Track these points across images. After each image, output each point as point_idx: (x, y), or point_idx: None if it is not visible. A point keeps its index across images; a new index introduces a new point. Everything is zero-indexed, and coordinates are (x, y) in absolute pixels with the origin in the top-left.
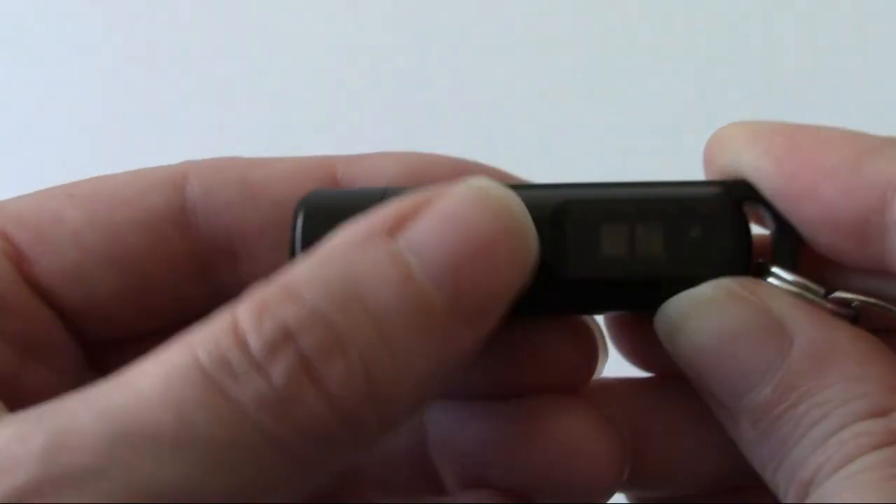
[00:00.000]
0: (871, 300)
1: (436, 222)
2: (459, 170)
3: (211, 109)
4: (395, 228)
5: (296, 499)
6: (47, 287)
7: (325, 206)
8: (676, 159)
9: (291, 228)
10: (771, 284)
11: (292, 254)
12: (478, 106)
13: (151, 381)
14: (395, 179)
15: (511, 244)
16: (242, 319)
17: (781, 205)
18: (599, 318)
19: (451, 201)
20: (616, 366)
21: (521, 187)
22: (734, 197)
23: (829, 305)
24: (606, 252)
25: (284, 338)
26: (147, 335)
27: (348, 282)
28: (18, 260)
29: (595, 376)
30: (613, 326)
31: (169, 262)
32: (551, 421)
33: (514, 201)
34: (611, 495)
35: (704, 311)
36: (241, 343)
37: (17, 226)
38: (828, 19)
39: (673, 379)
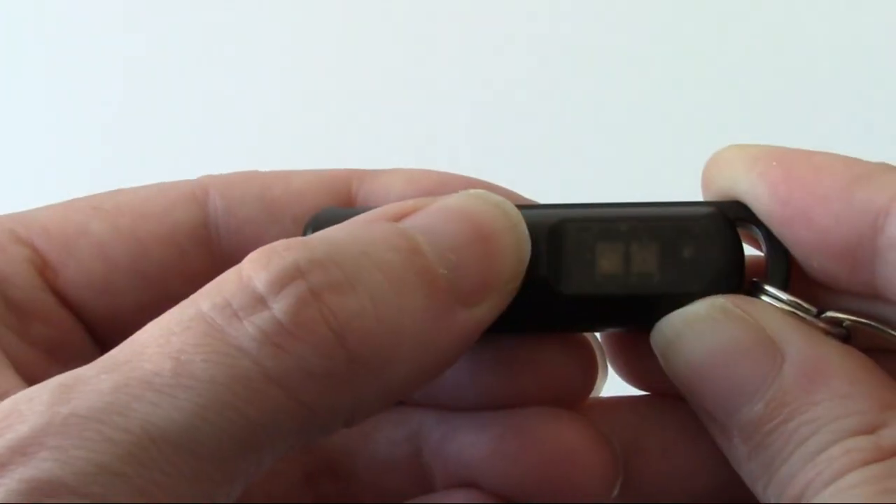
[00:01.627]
0: (862, 320)
1: (439, 212)
2: (470, 187)
3: (222, 116)
4: (400, 216)
5: (292, 448)
6: (72, 297)
7: (333, 224)
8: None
9: None
10: (764, 302)
11: None
12: (485, 124)
13: (153, 333)
14: (407, 196)
15: (508, 240)
16: (247, 265)
17: (775, 228)
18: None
19: (453, 199)
20: (613, 385)
21: (520, 206)
22: (727, 217)
23: (820, 324)
24: (602, 270)
25: (293, 274)
26: None
27: (358, 242)
28: (43, 269)
29: (594, 394)
30: (609, 345)
31: (190, 276)
32: (544, 431)
33: (511, 205)
34: None
35: (698, 328)
36: (245, 285)
37: (42, 236)
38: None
39: (667, 397)
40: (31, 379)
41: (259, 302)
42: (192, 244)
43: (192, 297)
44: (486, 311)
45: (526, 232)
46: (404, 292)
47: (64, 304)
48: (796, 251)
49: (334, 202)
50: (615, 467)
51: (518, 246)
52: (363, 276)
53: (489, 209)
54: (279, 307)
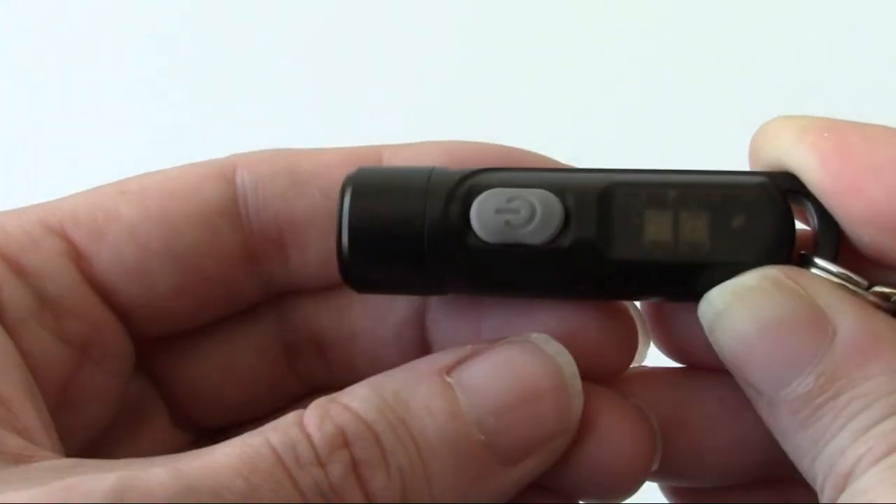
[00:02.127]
0: None
1: (490, 366)
2: (504, 157)
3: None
4: (452, 367)
5: None
6: (107, 285)
7: (372, 182)
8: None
9: (339, 204)
10: (815, 275)
11: (339, 230)
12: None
13: (227, 451)
14: (443, 162)
15: (556, 401)
16: (308, 419)
17: (826, 201)
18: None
19: (508, 351)
20: (652, 356)
21: (568, 170)
22: (780, 187)
23: (871, 298)
24: (650, 237)
25: (342, 442)
26: (196, 331)
27: (400, 405)
28: (78, 259)
29: (636, 363)
30: (651, 316)
31: (222, 254)
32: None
33: (567, 362)
34: (640, 484)
35: (749, 299)
36: (307, 437)
37: (74, 225)
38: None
39: (707, 370)
40: (64, 380)
41: (317, 460)
42: (223, 221)
43: (260, 429)
44: (529, 468)
45: (579, 387)
46: (434, 462)
47: (99, 295)
48: (847, 225)
49: None
50: (653, 443)
51: (568, 406)
52: (397, 450)
53: (543, 365)
54: (331, 469)
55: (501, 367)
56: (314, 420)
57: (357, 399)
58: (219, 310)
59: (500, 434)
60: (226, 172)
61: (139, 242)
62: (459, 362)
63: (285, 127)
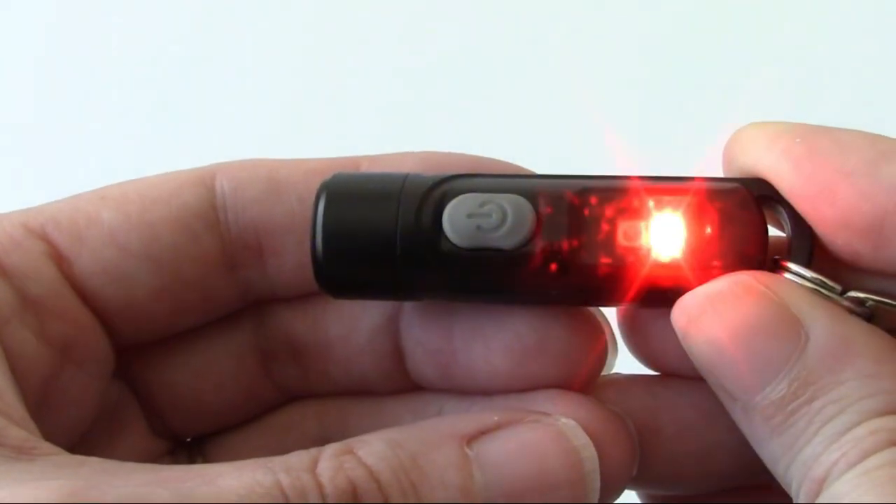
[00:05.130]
0: (886, 300)
1: (512, 446)
2: (481, 168)
3: (225, 115)
4: (476, 437)
5: None
6: (87, 287)
7: (347, 188)
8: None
9: (313, 210)
10: (788, 280)
11: (314, 234)
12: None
13: (234, 484)
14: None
15: (572, 495)
16: (322, 468)
17: (799, 206)
18: (611, 316)
19: (533, 432)
20: (627, 363)
21: (542, 177)
22: (752, 193)
23: (845, 303)
24: (622, 242)
25: (352, 497)
26: (175, 337)
27: (415, 469)
28: (59, 260)
29: (605, 372)
30: (625, 324)
31: (201, 259)
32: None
33: (591, 457)
34: (620, 492)
35: (721, 304)
36: (318, 483)
37: (55, 227)
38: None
39: (683, 378)
40: (45, 380)
41: None
42: (201, 226)
43: (270, 464)
44: None
45: (597, 484)
46: None
47: (80, 296)
48: (819, 229)
49: None
50: (632, 450)
51: (583, 501)
52: None
53: (566, 456)
54: None
55: (523, 449)
56: (328, 471)
57: (373, 455)
58: (197, 315)
59: None
60: (205, 179)
61: (119, 245)
62: (482, 432)
63: (265, 139)
